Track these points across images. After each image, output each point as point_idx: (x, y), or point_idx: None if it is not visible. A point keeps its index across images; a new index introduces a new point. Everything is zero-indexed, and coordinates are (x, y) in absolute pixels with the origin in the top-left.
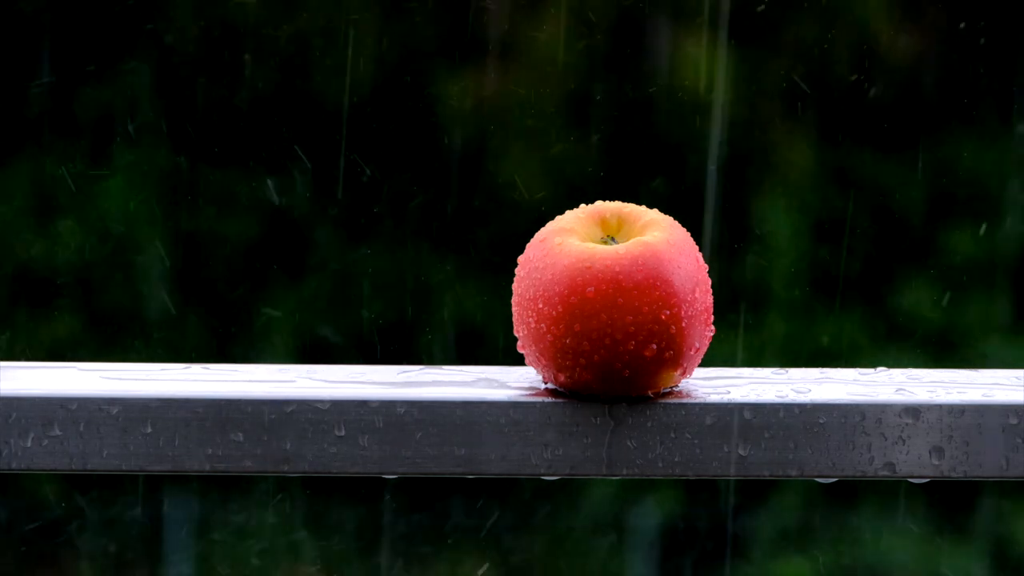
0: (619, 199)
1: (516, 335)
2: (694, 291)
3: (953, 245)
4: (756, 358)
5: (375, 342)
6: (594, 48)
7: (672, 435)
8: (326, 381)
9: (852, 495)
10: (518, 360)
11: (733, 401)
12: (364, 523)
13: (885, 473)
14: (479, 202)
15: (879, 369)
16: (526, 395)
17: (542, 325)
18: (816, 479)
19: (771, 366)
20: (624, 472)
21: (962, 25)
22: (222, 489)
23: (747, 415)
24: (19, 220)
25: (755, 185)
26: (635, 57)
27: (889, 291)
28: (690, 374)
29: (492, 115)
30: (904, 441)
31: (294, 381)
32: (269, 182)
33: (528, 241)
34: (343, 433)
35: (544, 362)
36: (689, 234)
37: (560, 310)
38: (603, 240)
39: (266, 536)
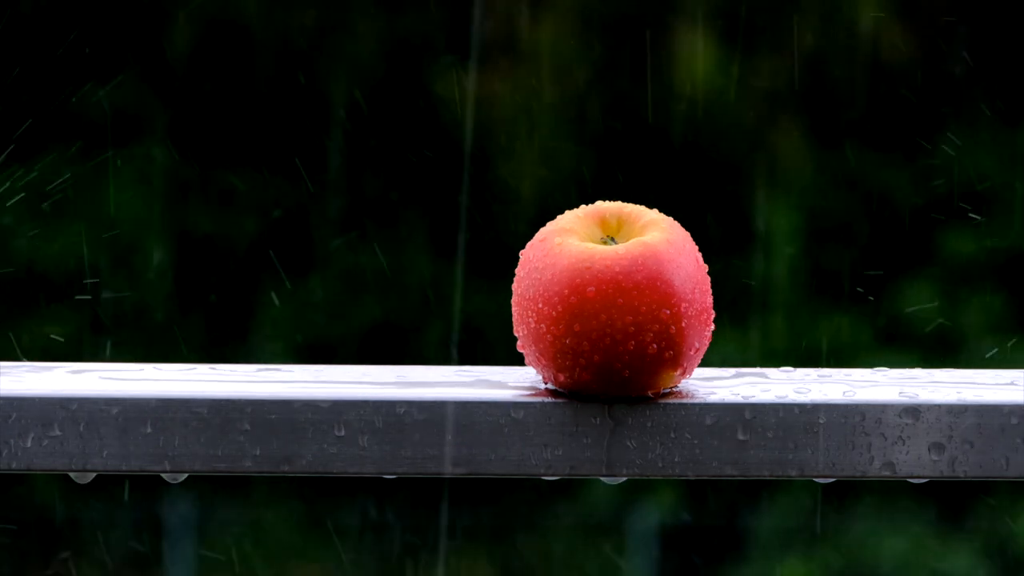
0: (619, 199)
1: (516, 335)
2: (694, 291)
3: (953, 245)
4: (756, 358)
5: (375, 342)
6: (595, 48)
7: (672, 435)
8: (326, 381)
9: (852, 495)
10: (518, 360)
11: (733, 401)
12: (363, 523)
13: (885, 473)
14: (479, 202)
15: (879, 369)
16: (526, 395)
17: (542, 325)
18: (816, 479)
19: (771, 366)
20: (624, 472)
21: (961, 25)
22: (222, 489)
23: (747, 415)
24: (20, 220)
25: (755, 185)
26: (636, 57)
27: (889, 291)
28: (690, 374)
29: (493, 114)
30: (904, 441)
31: (294, 381)
32: (270, 182)
33: (528, 241)
34: (343, 433)
35: (544, 362)
36: (689, 234)
37: (560, 310)
38: (603, 240)
39: (266, 536)
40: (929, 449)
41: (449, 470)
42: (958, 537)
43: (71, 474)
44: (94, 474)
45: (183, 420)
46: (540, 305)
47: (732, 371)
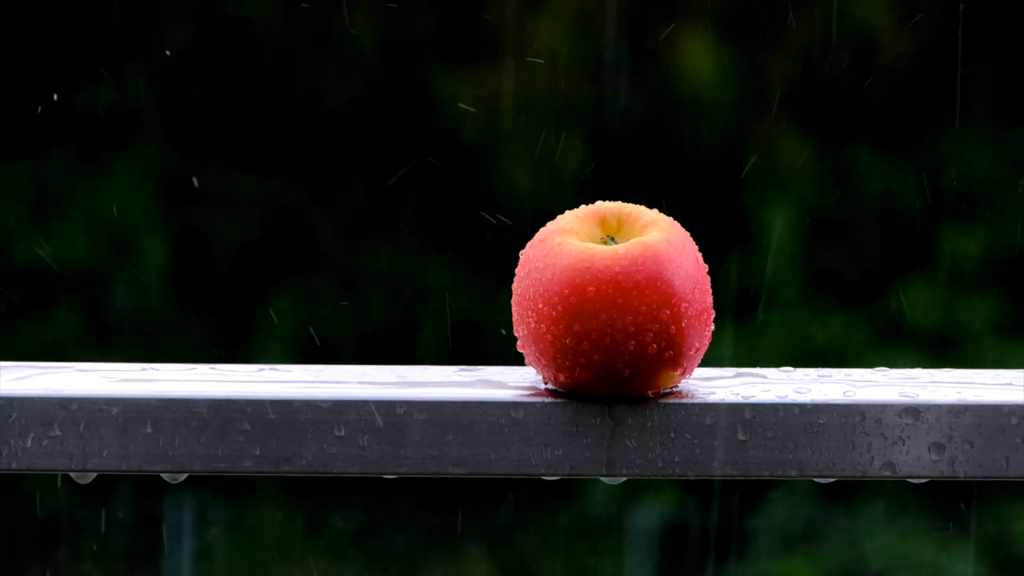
0: (619, 199)
1: (516, 335)
2: (694, 291)
3: (953, 245)
4: (756, 358)
5: (375, 342)
6: (594, 47)
7: (672, 435)
8: (326, 381)
9: (852, 495)
10: (518, 360)
11: (733, 401)
12: (363, 523)
13: (885, 473)
14: (479, 201)
15: (879, 369)
16: (526, 395)
17: (542, 325)
18: (816, 479)
19: (771, 366)
20: (624, 472)
21: (962, 24)
22: (222, 489)
23: (747, 415)
24: (19, 220)
25: (755, 185)
26: (635, 56)
27: (889, 291)
28: (690, 374)
29: (492, 114)
30: (904, 441)
31: (294, 381)
32: (269, 181)
33: (528, 241)
34: (343, 433)
35: (544, 362)
36: (689, 234)
37: (560, 310)
38: (603, 240)
39: (265, 536)
40: (929, 449)
41: (449, 470)
42: (958, 537)
43: (72, 474)
44: (94, 474)
45: (183, 420)
46: (540, 305)
47: (732, 371)
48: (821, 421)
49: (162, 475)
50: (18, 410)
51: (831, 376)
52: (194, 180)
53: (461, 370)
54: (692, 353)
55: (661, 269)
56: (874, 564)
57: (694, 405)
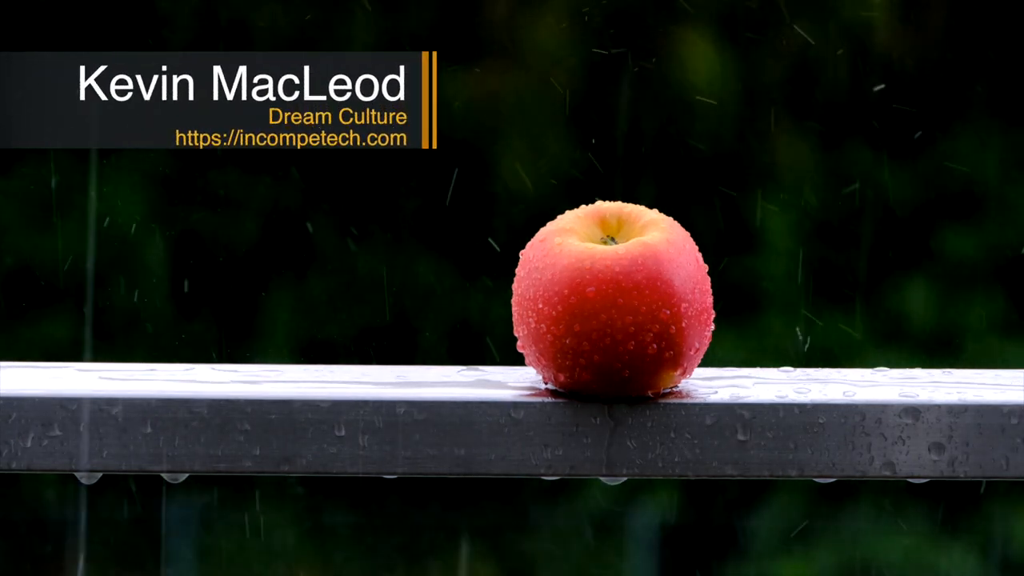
0: (619, 199)
1: (516, 335)
2: (694, 291)
3: (952, 245)
4: (756, 358)
5: (375, 342)
6: (593, 47)
7: (672, 435)
8: (326, 381)
9: (852, 495)
10: (518, 360)
11: (733, 401)
12: (363, 523)
13: (885, 473)
14: (478, 202)
15: (879, 369)
16: (526, 395)
17: (542, 325)
18: (816, 479)
19: (771, 366)
20: (624, 472)
21: (963, 24)
22: (222, 489)
23: (747, 415)
24: (19, 220)
25: (754, 185)
26: (635, 56)
27: (888, 291)
28: (690, 374)
29: (491, 114)
30: (904, 441)
31: (294, 381)
32: (269, 182)
33: (528, 241)
34: (343, 433)
35: (544, 362)
36: (689, 234)
37: (560, 310)
38: (603, 240)
39: (265, 536)
40: (929, 449)
41: (449, 470)
42: (958, 537)
43: (77, 474)
44: (100, 474)
45: (183, 420)
46: (540, 305)
47: (732, 371)
48: (821, 421)
49: (162, 475)
50: (18, 410)
51: (831, 376)
52: (194, 180)
53: (461, 370)
54: (692, 353)
55: (661, 269)
56: (873, 564)
57: (694, 405)
